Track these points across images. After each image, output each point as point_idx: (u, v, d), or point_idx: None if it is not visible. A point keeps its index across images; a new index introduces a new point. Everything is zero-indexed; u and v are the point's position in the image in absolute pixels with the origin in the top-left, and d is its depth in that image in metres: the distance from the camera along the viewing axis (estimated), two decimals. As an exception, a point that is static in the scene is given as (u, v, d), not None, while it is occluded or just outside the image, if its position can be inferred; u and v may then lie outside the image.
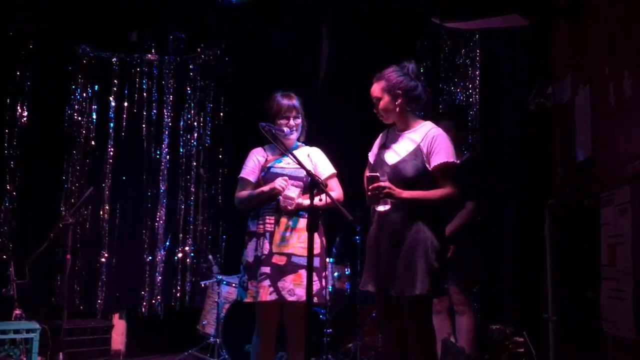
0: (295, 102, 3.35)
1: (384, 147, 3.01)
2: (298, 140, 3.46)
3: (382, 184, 2.73)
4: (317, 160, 3.42)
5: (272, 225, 3.25)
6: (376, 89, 2.95)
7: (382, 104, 2.93)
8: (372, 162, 3.05)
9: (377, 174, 2.77)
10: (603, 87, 2.96)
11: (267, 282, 3.16)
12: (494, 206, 4.32)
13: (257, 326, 3.29)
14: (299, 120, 3.35)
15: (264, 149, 3.45)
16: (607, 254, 2.77)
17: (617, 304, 2.62)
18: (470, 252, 3.85)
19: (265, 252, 3.22)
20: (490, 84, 4.76)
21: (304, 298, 3.11)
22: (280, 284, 3.15)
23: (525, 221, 4.05)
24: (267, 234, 3.24)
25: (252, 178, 3.38)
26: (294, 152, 3.33)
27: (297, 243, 3.21)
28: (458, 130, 3.94)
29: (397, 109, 2.92)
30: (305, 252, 3.13)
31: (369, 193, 2.75)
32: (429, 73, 5.10)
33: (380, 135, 3.11)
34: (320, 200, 2.94)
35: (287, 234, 3.23)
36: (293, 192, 3.18)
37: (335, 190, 3.37)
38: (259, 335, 3.28)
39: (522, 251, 4.10)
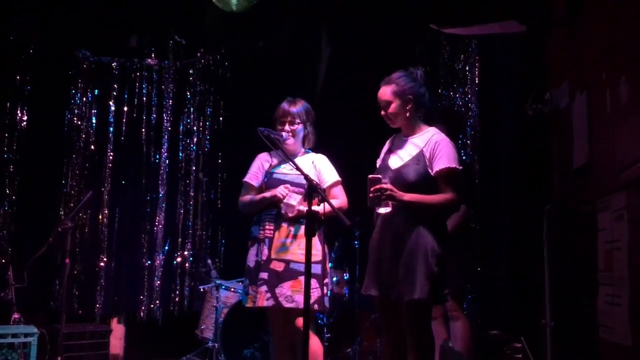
0: (293, 108, 3.35)
1: (390, 152, 3.02)
2: (304, 147, 3.45)
3: (384, 185, 2.73)
4: (321, 167, 3.40)
5: (272, 232, 3.25)
6: (386, 92, 2.95)
7: (392, 107, 2.93)
8: (378, 167, 3.05)
9: (379, 176, 2.78)
10: (600, 93, 2.97)
11: (264, 288, 3.17)
12: (489, 211, 4.33)
13: (270, 329, 3.35)
14: (295, 126, 3.34)
15: (270, 154, 3.45)
16: (603, 259, 2.78)
17: (613, 310, 2.63)
18: (461, 257, 3.84)
19: (264, 257, 3.22)
20: (489, 89, 4.78)
21: (302, 305, 3.10)
22: (277, 290, 3.15)
23: (521, 226, 4.06)
24: (267, 240, 3.25)
25: (255, 182, 3.39)
26: (298, 158, 3.35)
27: (297, 250, 3.20)
28: (449, 135, 3.95)
29: (408, 114, 2.93)
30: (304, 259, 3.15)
31: (371, 195, 2.75)
32: (428, 78, 5.10)
33: (387, 141, 3.12)
34: (318, 205, 2.94)
35: (288, 240, 3.22)
36: (294, 200, 3.17)
37: (339, 198, 3.35)
38: (271, 339, 3.35)
39: (519, 256, 4.10)
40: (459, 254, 3.82)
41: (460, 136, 4.68)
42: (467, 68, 4.94)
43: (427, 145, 2.88)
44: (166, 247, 5.49)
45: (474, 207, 3.94)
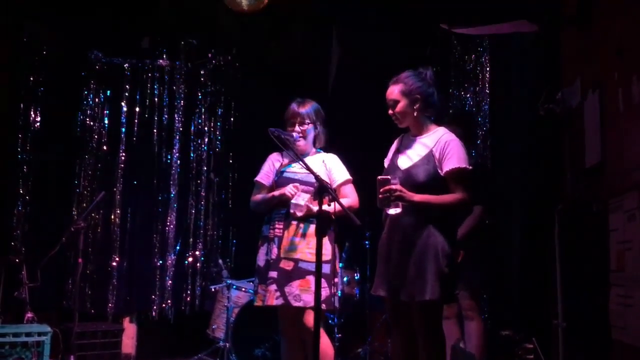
0: (302, 109, 3.35)
1: (398, 152, 3.01)
2: (315, 146, 3.46)
3: (393, 186, 2.72)
4: (331, 167, 3.40)
5: (281, 231, 3.25)
6: (394, 91, 2.94)
7: (399, 107, 2.92)
8: (386, 167, 3.05)
9: (389, 177, 2.77)
10: (612, 93, 2.95)
11: (273, 287, 3.18)
12: (501, 211, 4.31)
13: (280, 329, 3.36)
14: (305, 127, 3.34)
15: (281, 154, 3.46)
16: (615, 259, 2.76)
17: (625, 310, 2.61)
18: (479, 257, 3.85)
19: (274, 256, 3.23)
20: (500, 89, 4.76)
21: (310, 304, 3.11)
22: (286, 289, 3.16)
23: (533, 226, 4.04)
24: (276, 239, 3.26)
25: (266, 181, 3.41)
26: (308, 158, 3.36)
27: (306, 249, 3.20)
28: (464, 138, 3.95)
29: (415, 114, 2.92)
30: (313, 258, 3.14)
31: (380, 196, 2.75)
32: (438, 78, 5.09)
33: (395, 140, 3.11)
34: (329, 205, 2.94)
35: (297, 239, 3.22)
36: (302, 199, 3.17)
37: (350, 197, 3.35)
38: (282, 337, 3.36)
39: (531, 256, 4.08)
40: (478, 255, 3.82)
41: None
42: (478, 68, 4.93)
43: (436, 145, 2.87)
44: (177, 247, 5.52)
45: (489, 208, 3.93)
